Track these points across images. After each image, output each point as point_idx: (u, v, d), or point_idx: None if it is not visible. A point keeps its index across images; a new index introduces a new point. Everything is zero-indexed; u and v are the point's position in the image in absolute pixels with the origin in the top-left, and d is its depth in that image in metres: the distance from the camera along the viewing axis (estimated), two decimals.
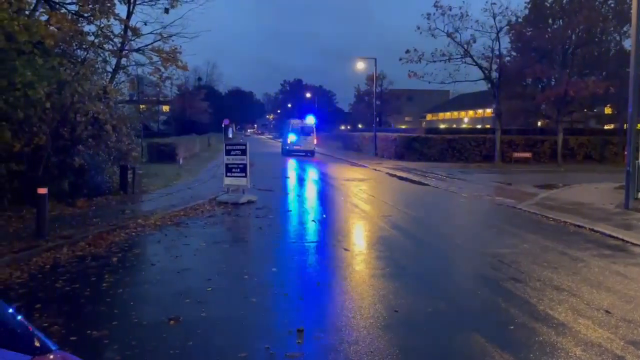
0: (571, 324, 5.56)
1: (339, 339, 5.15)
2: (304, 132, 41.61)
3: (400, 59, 34.15)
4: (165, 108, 59.03)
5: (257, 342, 5.13)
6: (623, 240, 10.00)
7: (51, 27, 12.32)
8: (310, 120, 43.79)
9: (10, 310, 1.84)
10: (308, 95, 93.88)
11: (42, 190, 9.32)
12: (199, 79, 76.51)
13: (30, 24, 11.17)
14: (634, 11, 13.06)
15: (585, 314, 5.86)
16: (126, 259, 8.60)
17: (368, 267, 8.16)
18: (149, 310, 6.00)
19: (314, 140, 41.77)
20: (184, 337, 5.16)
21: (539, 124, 42.73)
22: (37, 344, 1.79)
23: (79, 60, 14.92)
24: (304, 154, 40.09)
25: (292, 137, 41.51)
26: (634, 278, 7.47)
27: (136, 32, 16.66)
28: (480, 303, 6.41)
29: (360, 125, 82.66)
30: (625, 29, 33.25)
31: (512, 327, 5.48)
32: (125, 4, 17.57)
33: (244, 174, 15.40)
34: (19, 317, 1.84)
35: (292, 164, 32.56)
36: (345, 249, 9.34)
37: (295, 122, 44.02)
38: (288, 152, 41.02)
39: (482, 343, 5.05)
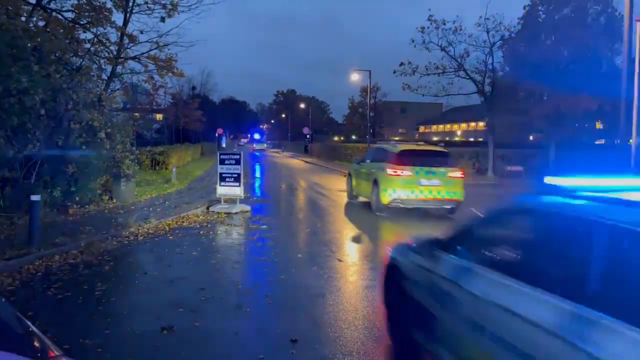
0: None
1: (333, 350, 5.14)
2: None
3: (395, 72, 34.39)
4: (159, 117, 59.00)
5: (250, 352, 5.11)
6: None
7: (48, 34, 12.35)
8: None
9: (19, 316, 1.84)
10: (302, 105, 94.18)
11: (35, 197, 9.27)
12: (193, 88, 76.50)
13: (29, 28, 11.18)
14: (625, 29, 13.26)
15: None
16: (119, 268, 8.56)
17: (362, 278, 8.16)
18: (142, 319, 5.97)
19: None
20: (177, 347, 5.14)
21: (532, 138, 43.09)
22: (45, 350, 1.79)
23: (75, 67, 14.92)
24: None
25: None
26: None
27: (133, 39, 16.70)
28: None
29: (354, 137, 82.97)
30: (616, 46, 33.72)
31: None
32: (122, 12, 17.61)
33: (237, 184, 15.39)
34: (27, 323, 1.84)
35: (286, 172, 32.55)
36: (339, 260, 9.34)
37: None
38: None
39: None
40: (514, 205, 3.91)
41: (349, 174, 18.60)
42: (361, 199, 17.04)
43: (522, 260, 3.57)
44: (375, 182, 14.73)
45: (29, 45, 12.21)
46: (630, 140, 14.30)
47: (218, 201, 15.58)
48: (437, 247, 4.43)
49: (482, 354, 3.40)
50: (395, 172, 13.98)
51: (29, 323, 1.86)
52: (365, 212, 15.45)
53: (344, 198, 19.25)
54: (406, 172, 13.88)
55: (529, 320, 2.92)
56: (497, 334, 3.21)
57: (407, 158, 14.25)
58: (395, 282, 5.05)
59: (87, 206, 13.96)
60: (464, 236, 4.30)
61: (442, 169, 14.03)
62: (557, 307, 2.79)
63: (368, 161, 16.66)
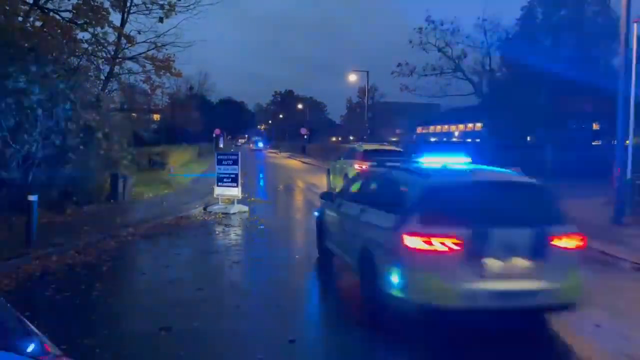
0: (562, 337, 5.59)
1: (331, 349, 5.14)
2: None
3: (392, 73, 34.47)
4: (156, 117, 58.88)
5: (249, 353, 5.11)
6: (612, 255, 10.08)
7: (45, 34, 12.32)
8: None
9: (18, 316, 1.84)
10: (299, 106, 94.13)
11: (32, 198, 9.24)
12: (191, 88, 76.29)
13: (26, 29, 11.16)
14: (622, 30, 13.30)
15: (577, 328, 5.89)
16: (116, 268, 8.54)
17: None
18: (140, 320, 5.96)
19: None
20: (176, 348, 5.12)
21: (529, 138, 43.16)
22: (44, 349, 1.79)
23: (72, 67, 14.89)
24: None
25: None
26: (623, 292, 7.54)
27: (130, 40, 16.68)
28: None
29: (351, 137, 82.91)
30: (614, 46, 33.82)
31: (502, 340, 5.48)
32: (120, 12, 17.58)
33: (235, 184, 15.38)
34: (27, 323, 1.83)
35: (283, 172, 32.54)
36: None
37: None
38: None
39: None
40: (374, 171, 8.71)
41: (328, 170, 22.45)
42: (338, 190, 19.52)
43: (358, 193, 7.86)
44: (345, 175, 17.72)
45: (26, 45, 12.19)
46: (628, 141, 14.33)
47: (216, 201, 15.57)
48: (331, 197, 8.82)
49: (342, 240, 7.52)
50: (360, 166, 16.46)
51: (28, 323, 1.85)
52: None
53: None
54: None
55: (352, 216, 7.13)
56: (345, 227, 7.42)
57: (369, 155, 17.40)
58: (318, 221, 9.24)
59: (84, 206, 13.91)
60: (343, 189, 9.19)
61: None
62: (360, 207, 6.96)
63: (342, 159, 20.43)
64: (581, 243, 5.77)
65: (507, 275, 5.29)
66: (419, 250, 5.20)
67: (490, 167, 6.87)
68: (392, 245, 5.55)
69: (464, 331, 5.45)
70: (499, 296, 5.25)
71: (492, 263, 5.22)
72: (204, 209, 15.21)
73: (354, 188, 8.23)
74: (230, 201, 15.44)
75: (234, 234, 12.07)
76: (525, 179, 6.41)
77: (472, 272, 5.19)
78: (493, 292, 5.21)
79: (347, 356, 5.08)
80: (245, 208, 15.30)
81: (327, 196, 9.14)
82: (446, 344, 5.36)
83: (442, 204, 5.60)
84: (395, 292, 5.34)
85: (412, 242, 5.23)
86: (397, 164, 7.73)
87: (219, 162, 15.76)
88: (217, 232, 12.13)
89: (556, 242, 5.49)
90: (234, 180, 15.40)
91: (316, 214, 9.57)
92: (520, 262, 5.32)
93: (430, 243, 5.17)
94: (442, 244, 5.17)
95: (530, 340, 5.57)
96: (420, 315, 5.43)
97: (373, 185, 7.55)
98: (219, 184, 15.59)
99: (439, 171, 6.34)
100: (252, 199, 18.38)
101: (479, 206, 5.54)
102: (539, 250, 5.36)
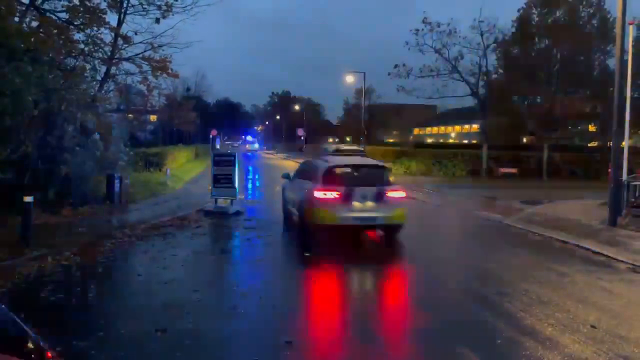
0: (557, 338, 5.60)
1: (328, 353, 5.14)
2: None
3: (389, 74, 34.49)
4: (153, 118, 58.79)
5: (245, 354, 5.11)
6: (608, 256, 10.12)
7: (41, 36, 12.27)
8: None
9: (15, 318, 1.83)
10: (296, 107, 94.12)
11: (28, 199, 9.22)
12: (188, 89, 76.30)
13: (22, 29, 11.11)
14: (618, 31, 13.35)
15: (572, 329, 5.91)
16: (112, 269, 8.53)
17: (359, 281, 8.16)
18: (135, 321, 5.94)
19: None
20: (172, 349, 5.11)
21: (525, 140, 43.26)
22: (42, 352, 1.78)
23: (68, 68, 14.85)
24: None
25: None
26: (618, 293, 7.57)
27: (127, 40, 16.64)
28: (466, 316, 6.45)
29: (348, 139, 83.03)
30: (609, 48, 33.95)
31: (499, 341, 5.51)
32: (116, 13, 17.53)
33: (232, 185, 15.36)
34: (23, 325, 1.83)
35: (277, 173, 32.49)
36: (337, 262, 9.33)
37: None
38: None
39: (470, 357, 5.07)
40: (306, 161, 14.07)
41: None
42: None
43: (298, 172, 13.27)
44: None
45: (22, 45, 12.15)
46: (623, 143, 14.38)
47: (212, 203, 15.54)
48: (288, 177, 13.80)
49: (292, 199, 12.42)
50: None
51: (24, 325, 1.84)
52: None
53: None
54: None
55: (296, 186, 12.51)
56: (294, 191, 12.44)
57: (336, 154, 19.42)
58: (283, 192, 13.99)
59: (80, 207, 13.87)
60: (294, 172, 13.73)
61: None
62: (299, 180, 12.54)
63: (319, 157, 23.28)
64: (403, 194, 10.96)
65: (363, 210, 10.40)
66: (322, 199, 10.39)
67: (361, 158, 12.17)
68: (310, 197, 10.71)
69: (343, 235, 10.83)
70: (359, 219, 10.45)
71: (355, 204, 10.37)
72: (201, 209, 15.18)
73: (298, 170, 13.85)
74: (227, 202, 15.43)
75: (231, 235, 12.06)
76: (376, 162, 12.10)
77: (346, 208, 10.28)
78: (356, 217, 10.40)
79: (291, 241, 11.54)
80: (242, 209, 15.29)
81: (286, 176, 14.19)
82: (335, 239, 10.87)
83: (332, 176, 10.90)
84: (313, 220, 10.59)
85: (319, 195, 10.47)
86: (319, 157, 12.77)
87: (216, 163, 15.74)
88: (213, 233, 12.11)
89: (388, 194, 10.56)
90: (231, 181, 15.38)
91: (279, 187, 15.04)
92: (370, 204, 10.42)
93: (326, 195, 10.38)
94: (332, 195, 10.35)
95: (374, 239, 11.51)
96: (323, 229, 10.60)
97: (306, 168, 13.06)
98: (216, 184, 15.57)
99: (332, 160, 11.63)
100: (249, 200, 18.38)
101: (350, 176, 10.95)
102: (379, 198, 10.46)
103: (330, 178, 10.73)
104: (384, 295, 7.74)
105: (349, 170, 11.15)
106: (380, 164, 11.78)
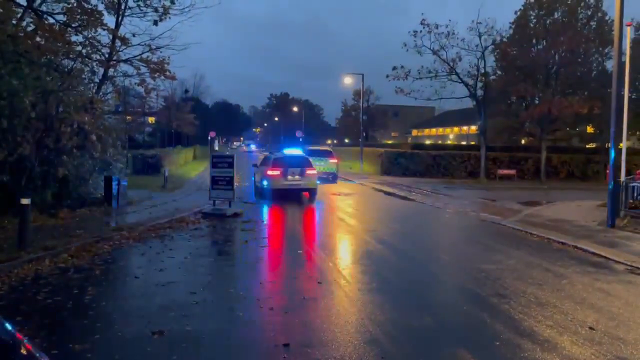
0: (555, 340, 5.59)
1: (325, 354, 5.12)
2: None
3: (387, 76, 34.54)
4: (151, 119, 58.75)
5: (243, 357, 5.08)
6: (606, 257, 10.11)
7: (37, 39, 12.24)
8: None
9: (3, 322, 1.81)
10: (295, 108, 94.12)
11: (25, 201, 9.19)
12: (186, 90, 76.33)
13: (16, 34, 11.08)
14: (616, 33, 13.37)
15: (570, 330, 5.90)
16: (110, 272, 8.49)
17: (354, 281, 8.15)
18: (132, 324, 5.91)
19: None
20: (169, 352, 5.09)
21: (523, 141, 43.31)
22: (34, 357, 1.76)
23: (66, 70, 14.82)
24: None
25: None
26: (616, 295, 7.55)
27: (125, 42, 16.61)
28: (465, 318, 6.43)
29: (346, 140, 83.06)
30: (607, 50, 34.02)
31: (497, 343, 5.49)
32: (114, 15, 17.52)
33: (230, 187, 15.35)
34: (10, 329, 1.80)
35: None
36: (332, 263, 9.32)
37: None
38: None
39: (467, 359, 5.06)
40: (266, 156, 24.03)
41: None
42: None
43: (262, 161, 22.60)
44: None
45: (19, 47, 12.12)
46: (622, 144, 14.40)
47: (211, 204, 15.52)
48: (256, 165, 22.86)
49: (257, 178, 21.83)
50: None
51: (12, 329, 1.81)
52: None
53: (336, 201, 19.22)
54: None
55: (259, 170, 21.70)
56: (258, 173, 21.59)
57: (310, 152, 28.29)
58: (253, 174, 23.24)
59: (78, 209, 13.84)
60: (261, 162, 22.46)
61: (325, 158, 30.37)
62: (261, 167, 21.51)
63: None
64: (315, 172, 20.16)
65: (293, 180, 19.21)
66: (270, 174, 19.21)
67: (297, 152, 22.77)
68: (264, 174, 19.91)
69: (281, 194, 19.12)
70: (291, 185, 19.23)
71: (290, 177, 19.12)
72: (199, 211, 15.16)
73: (261, 161, 22.43)
74: (226, 203, 15.40)
75: (229, 237, 12.04)
76: (303, 154, 22.51)
77: (284, 179, 19.03)
78: (289, 184, 19.18)
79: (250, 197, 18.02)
80: (241, 210, 15.28)
81: (254, 165, 22.65)
82: (277, 196, 19.16)
83: (277, 162, 19.84)
84: (265, 185, 19.52)
85: (269, 172, 19.29)
86: (273, 152, 25.10)
87: (214, 165, 15.73)
88: (211, 235, 12.08)
89: (307, 172, 19.48)
90: (229, 182, 15.38)
91: (252, 170, 23.20)
92: (297, 177, 19.27)
93: (273, 172, 19.18)
94: (276, 172, 19.14)
95: (304, 197, 19.58)
96: (270, 190, 19.14)
97: (264, 159, 22.20)
98: (214, 186, 15.56)
99: (278, 153, 22.49)
100: (247, 202, 18.36)
101: (287, 162, 19.70)
102: (302, 174, 19.36)
103: (275, 163, 19.63)
104: (305, 216, 14.41)
105: (286, 159, 20.13)
106: (304, 156, 21.86)
